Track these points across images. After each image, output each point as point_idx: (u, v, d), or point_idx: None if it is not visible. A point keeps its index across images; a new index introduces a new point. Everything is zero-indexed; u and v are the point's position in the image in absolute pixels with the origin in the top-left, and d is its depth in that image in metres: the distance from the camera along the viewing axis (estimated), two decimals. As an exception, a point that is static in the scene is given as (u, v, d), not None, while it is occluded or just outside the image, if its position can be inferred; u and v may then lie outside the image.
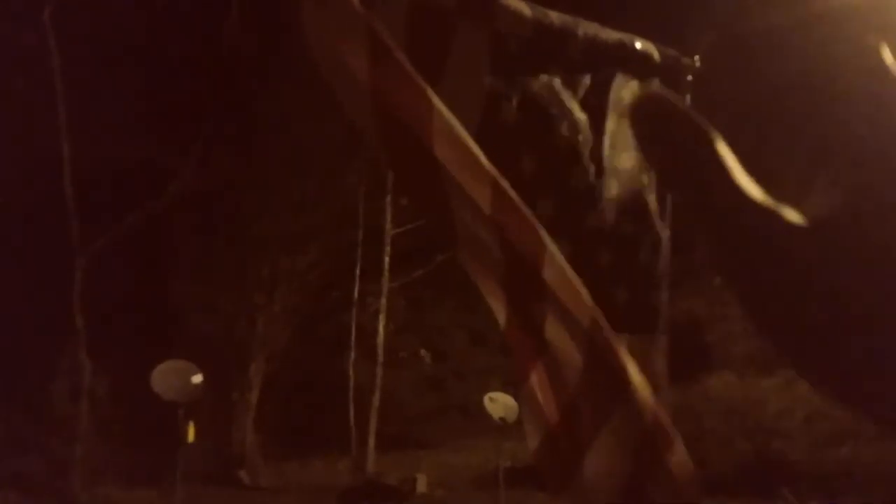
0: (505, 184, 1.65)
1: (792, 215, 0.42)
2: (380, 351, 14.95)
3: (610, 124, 2.04)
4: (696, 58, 2.37)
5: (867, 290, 0.39)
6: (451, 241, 1.66)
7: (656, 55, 2.19)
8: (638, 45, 2.20)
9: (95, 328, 13.75)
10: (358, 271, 15.55)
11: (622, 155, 2.03)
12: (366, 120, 1.55)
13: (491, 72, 1.87)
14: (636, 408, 1.72)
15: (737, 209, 0.38)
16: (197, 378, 10.76)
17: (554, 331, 1.70)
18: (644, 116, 0.40)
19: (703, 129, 0.39)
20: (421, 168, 1.56)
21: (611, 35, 2.11)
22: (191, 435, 10.94)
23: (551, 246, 1.69)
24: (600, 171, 2.02)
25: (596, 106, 2.06)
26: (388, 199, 14.98)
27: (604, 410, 1.73)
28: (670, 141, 0.38)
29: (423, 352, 17.96)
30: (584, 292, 1.73)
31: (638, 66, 2.17)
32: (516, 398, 13.03)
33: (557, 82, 1.97)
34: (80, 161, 14.02)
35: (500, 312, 1.73)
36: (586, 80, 2.06)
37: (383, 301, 15.07)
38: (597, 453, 1.74)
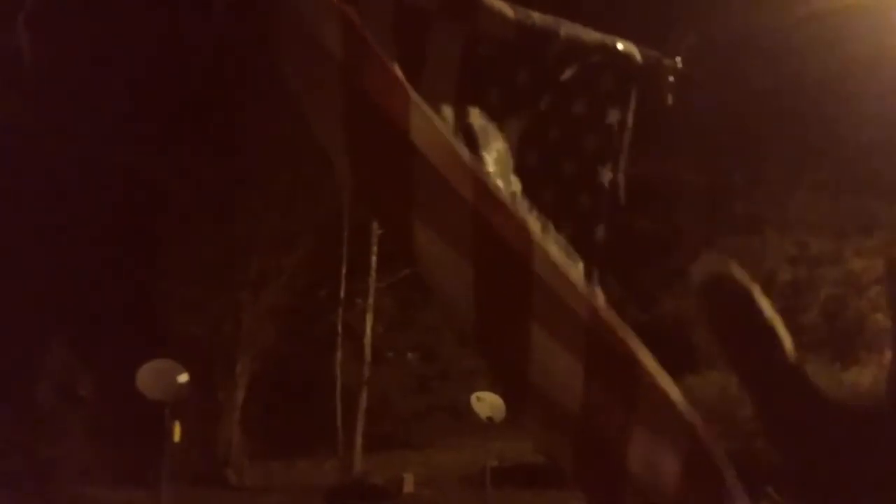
0: (488, 178, 1.61)
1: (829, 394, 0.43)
2: (367, 350, 14.94)
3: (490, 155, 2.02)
4: (678, 59, 2.40)
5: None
6: (408, 257, 1.53)
7: (638, 56, 2.22)
8: (620, 45, 2.22)
9: (81, 328, 13.69)
10: (344, 270, 15.54)
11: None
12: (332, 121, 1.48)
13: (467, 73, 1.89)
14: (658, 394, 1.61)
15: (789, 387, 0.39)
16: (183, 377, 10.74)
17: (543, 337, 1.56)
18: (716, 294, 0.41)
19: (766, 314, 0.41)
20: (394, 161, 1.48)
21: (592, 36, 2.14)
22: (177, 434, 10.92)
23: (540, 238, 1.63)
24: None
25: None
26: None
27: (626, 403, 1.60)
28: (736, 320, 0.40)
29: (409, 355, 17.97)
30: (581, 282, 1.65)
31: (620, 66, 2.19)
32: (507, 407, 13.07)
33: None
34: (63, 162, 13.97)
35: (470, 322, 1.57)
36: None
37: (370, 300, 15.06)
38: (636, 450, 1.58)
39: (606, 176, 2.14)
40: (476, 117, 1.88)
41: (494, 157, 1.86)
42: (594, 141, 2.15)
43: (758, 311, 0.35)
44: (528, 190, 1.94)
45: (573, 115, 2.11)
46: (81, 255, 14.97)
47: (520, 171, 1.93)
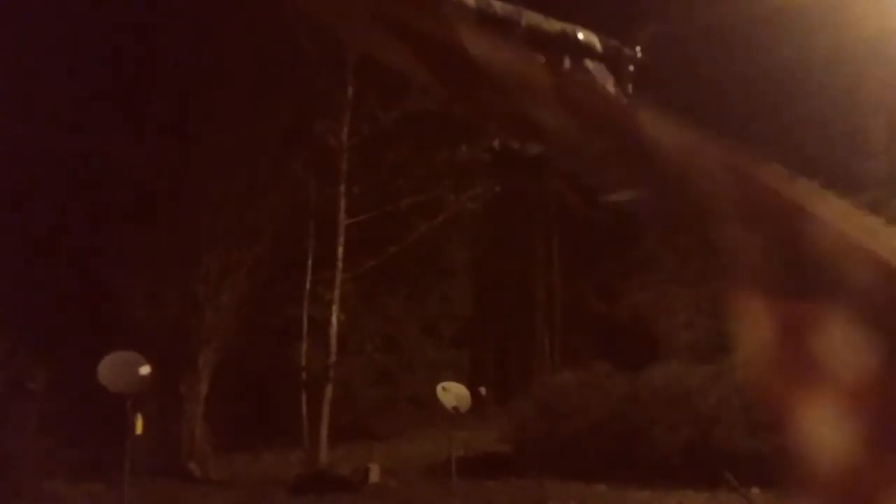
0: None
1: None
2: (333, 342, 14.91)
3: None
4: (638, 49, 2.44)
5: None
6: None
7: (598, 45, 2.25)
8: (580, 35, 2.26)
9: (37, 320, 13.48)
10: (310, 262, 15.48)
11: None
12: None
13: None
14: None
15: None
16: (144, 369, 10.63)
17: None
18: None
19: None
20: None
21: (553, 25, 2.17)
22: (139, 427, 10.80)
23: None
24: None
25: None
26: (342, 188, 14.93)
27: None
28: None
29: (369, 346, 17.99)
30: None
31: (580, 55, 2.23)
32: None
33: None
34: (19, 149, 13.71)
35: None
36: None
37: (337, 292, 15.02)
38: None
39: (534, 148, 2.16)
40: None
41: None
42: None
43: None
44: None
45: None
46: (34, 246, 14.73)
47: None
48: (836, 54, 15.36)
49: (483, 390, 14.77)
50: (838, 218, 1.25)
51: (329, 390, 14.77)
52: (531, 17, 2.12)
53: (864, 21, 14.29)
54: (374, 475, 13.45)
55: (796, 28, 15.48)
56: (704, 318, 15.97)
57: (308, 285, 15.50)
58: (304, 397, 15.15)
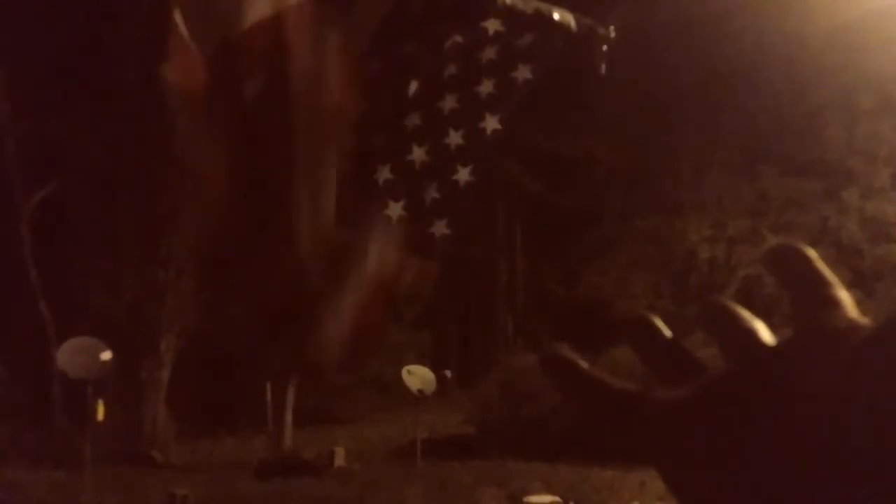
0: None
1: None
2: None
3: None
4: (611, 28, 2.48)
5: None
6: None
7: (573, 24, 2.29)
8: (556, 14, 2.29)
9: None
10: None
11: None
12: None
13: (403, 32, 1.92)
14: None
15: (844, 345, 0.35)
16: (106, 355, 10.51)
17: None
18: (784, 259, 0.39)
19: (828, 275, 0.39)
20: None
21: (529, 3, 2.20)
22: (100, 413, 10.69)
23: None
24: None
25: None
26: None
27: None
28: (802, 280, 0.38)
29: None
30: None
31: (555, 34, 2.26)
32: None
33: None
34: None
35: None
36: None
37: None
38: None
39: (491, 124, 2.19)
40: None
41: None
42: (491, 87, 2.19)
43: (820, 272, 0.34)
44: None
45: (478, 59, 2.14)
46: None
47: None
48: (798, 42, 15.66)
49: (448, 373, 14.86)
50: None
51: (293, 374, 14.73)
52: (508, -3, 2.15)
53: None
54: (339, 459, 13.47)
55: (759, 17, 15.73)
56: (664, 301, 16.23)
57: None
58: (268, 382, 15.09)
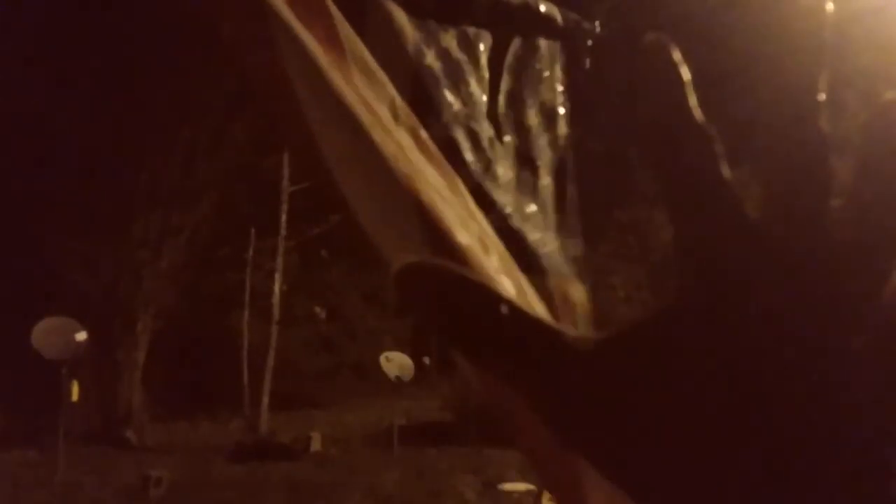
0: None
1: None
2: (276, 310, 14.79)
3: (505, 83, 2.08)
4: (597, 23, 2.46)
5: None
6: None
7: (559, 18, 2.26)
8: (542, 7, 2.26)
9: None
10: (253, 229, 15.29)
11: (528, 111, 2.08)
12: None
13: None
14: None
15: (715, 201, 0.35)
16: (81, 335, 10.43)
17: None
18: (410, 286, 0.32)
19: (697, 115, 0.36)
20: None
21: (516, -3, 2.16)
22: (74, 394, 10.61)
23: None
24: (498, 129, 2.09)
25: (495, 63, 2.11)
26: (286, 155, 14.75)
27: None
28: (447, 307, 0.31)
29: (317, 309, 17.90)
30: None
31: (541, 28, 2.23)
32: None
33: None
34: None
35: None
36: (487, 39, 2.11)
37: (280, 260, 14.88)
38: None
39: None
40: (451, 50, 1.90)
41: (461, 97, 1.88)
42: None
43: (689, 108, 0.30)
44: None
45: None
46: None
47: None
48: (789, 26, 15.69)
49: (427, 360, 14.87)
50: None
51: (271, 358, 14.69)
52: (494, -11, 2.11)
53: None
54: (316, 443, 13.46)
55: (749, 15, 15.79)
56: (643, 293, 16.33)
57: (251, 253, 15.33)
58: (244, 365, 15.05)
